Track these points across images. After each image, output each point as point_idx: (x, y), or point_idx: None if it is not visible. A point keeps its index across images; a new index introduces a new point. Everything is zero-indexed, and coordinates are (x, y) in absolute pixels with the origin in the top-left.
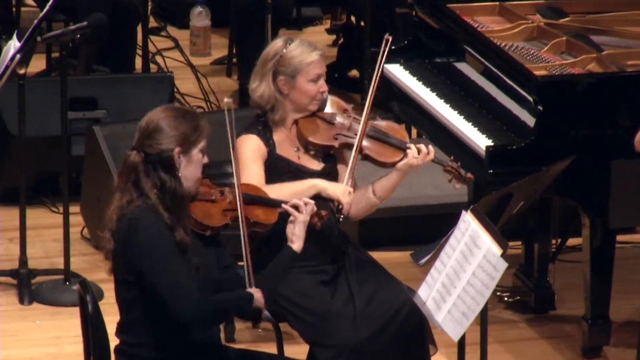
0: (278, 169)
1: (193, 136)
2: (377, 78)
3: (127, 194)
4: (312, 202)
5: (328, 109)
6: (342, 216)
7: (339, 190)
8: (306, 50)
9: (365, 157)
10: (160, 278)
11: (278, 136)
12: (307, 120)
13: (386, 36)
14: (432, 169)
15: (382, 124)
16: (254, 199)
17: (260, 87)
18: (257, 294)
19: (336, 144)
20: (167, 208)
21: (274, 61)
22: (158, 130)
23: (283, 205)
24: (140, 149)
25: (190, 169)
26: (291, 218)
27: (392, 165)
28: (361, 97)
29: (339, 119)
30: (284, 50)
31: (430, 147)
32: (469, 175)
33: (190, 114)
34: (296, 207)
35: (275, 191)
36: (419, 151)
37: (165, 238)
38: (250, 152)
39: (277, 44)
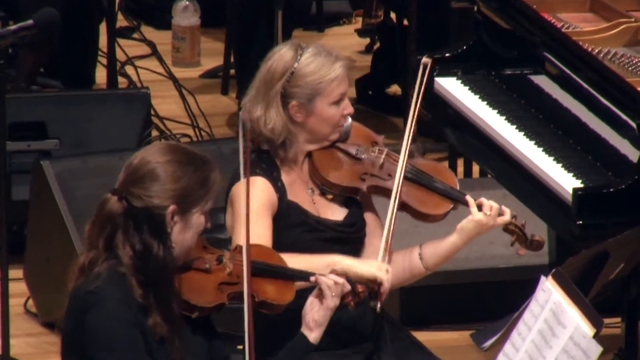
0: (290, 219)
1: (197, 193)
2: (414, 120)
3: (95, 250)
4: (346, 283)
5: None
6: (379, 305)
7: (372, 266)
8: (326, 62)
9: (402, 207)
10: None
11: (287, 176)
12: (324, 153)
13: (424, 60)
14: None
15: (421, 162)
16: (265, 269)
17: (270, 116)
18: None
19: (364, 186)
20: (143, 282)
21: (283, 81)
22: (152, 176)
23: (311, 278)
24: (124, 195)
25: (184, 235)
26: (314, 294)
27: (437, 218)
28: (404, 122)
29: (367, 153)
30: (296, 65)
31: (503, 207)
32: (538, 237)
33: (200, 161)
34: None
35: None
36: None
37: (131, 327)
38: (258, 203)
39: (285, 55)
